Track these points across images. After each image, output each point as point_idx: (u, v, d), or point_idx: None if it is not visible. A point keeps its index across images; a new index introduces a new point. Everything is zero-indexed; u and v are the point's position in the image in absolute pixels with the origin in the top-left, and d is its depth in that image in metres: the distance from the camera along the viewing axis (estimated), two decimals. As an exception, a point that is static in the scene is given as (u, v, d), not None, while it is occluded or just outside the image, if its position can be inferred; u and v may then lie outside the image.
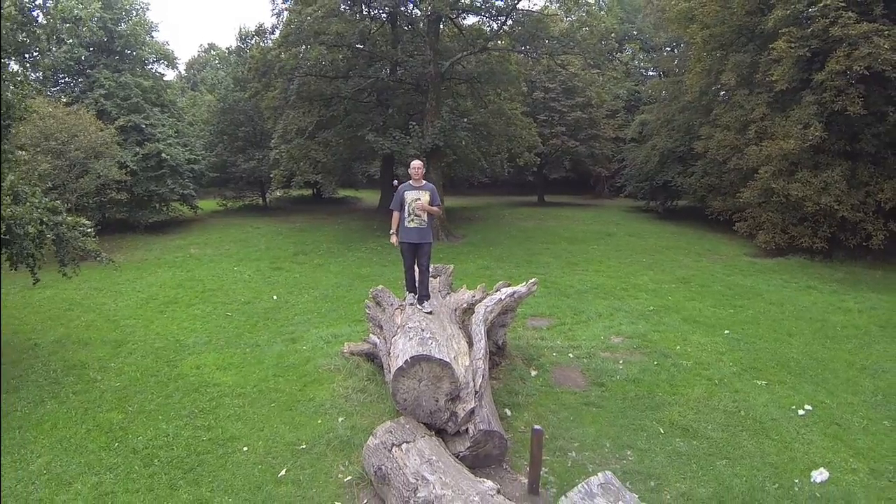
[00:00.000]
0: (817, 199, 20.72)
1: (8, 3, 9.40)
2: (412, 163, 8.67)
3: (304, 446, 7.38)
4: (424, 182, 8.70)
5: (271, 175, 27.38)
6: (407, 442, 6.03)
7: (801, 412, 8.90)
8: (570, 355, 10.19)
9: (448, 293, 9.68)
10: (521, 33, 23.59)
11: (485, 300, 9.00)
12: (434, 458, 5.77)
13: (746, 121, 24.23)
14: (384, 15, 23.98)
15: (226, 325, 12.74)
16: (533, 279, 9.91)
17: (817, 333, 12.68)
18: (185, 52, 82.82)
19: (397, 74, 25.45)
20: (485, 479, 5.56)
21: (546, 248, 22.77)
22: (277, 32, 24.28)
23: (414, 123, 23.60)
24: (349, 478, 6.69)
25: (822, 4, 18.95)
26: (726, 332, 12.17)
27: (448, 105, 25.53)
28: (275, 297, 15.12)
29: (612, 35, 24.33)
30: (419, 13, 23.38)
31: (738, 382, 9.69)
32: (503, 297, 9.01)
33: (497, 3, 22.13)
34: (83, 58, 28.63)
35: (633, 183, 38.26)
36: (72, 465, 7.35)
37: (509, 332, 10.27)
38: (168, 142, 28.67)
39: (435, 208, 8.55)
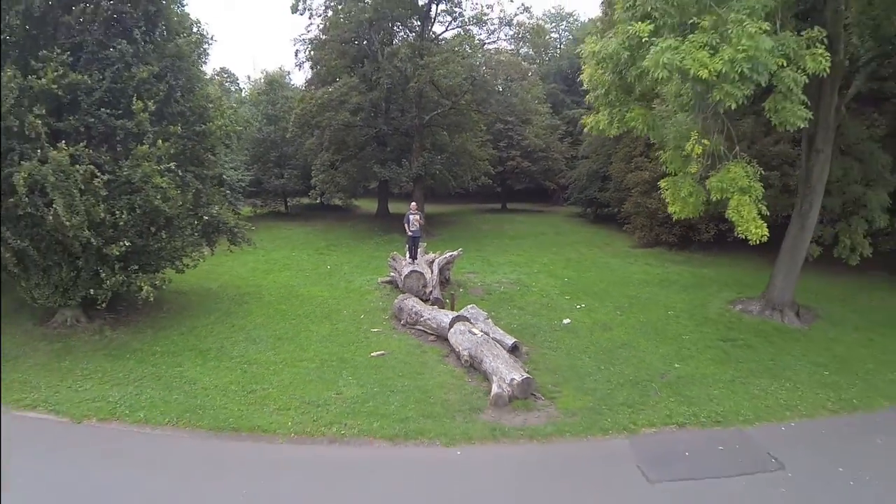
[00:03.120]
0: (664, 209, 32.25)
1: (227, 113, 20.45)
2: (411, 203, 20.32)
3: (368, 310, 19.01)
4: (417, 210, 20.18)
5: (309, 193, 38.64)
6: (408, 298, 17.62)
7: (578, 307, 20.44)
8: (478, 284, 21.88)
9: (423, 254, 21.21)
10: (476, 97, 35.25)
11: (438, 258, 20.59)
12: (418, 302, 17.33)
13: (632, 155, 35.95)
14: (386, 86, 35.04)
15: (309, 277, 24.23)
16: (460, 249, 21.65)
17: (617, 281, 24.27)
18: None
19: (392, 125, 36.76)
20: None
21: (492, 242, 34.35)
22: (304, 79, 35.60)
23: (405, 160, 35.24)
24: (386, 317, 18.24)
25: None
26: (565, 279, 23.80)
27: (428, 144, 36.95)
28: (328, 267, 26.59)
29: (537, 99, 35.92)
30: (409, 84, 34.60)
31: (555, 297, 21.30)
32: (447, 256, 20.68)
33: (459, 80, 33.27)
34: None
35: (574, 195, 49.84)
36: (271, 321, 18.69)
37: (454, 276, 21.80)
38: (225, 165, 39.76)
39: (421, 222, 20.09)
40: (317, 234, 37.02)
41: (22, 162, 14.52)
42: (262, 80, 51.83)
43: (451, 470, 10.82)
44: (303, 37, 40.08)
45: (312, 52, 36.94)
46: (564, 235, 38.34)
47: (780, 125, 12.36)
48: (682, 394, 13.98)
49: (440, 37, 38.60)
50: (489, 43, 36.53)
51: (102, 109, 15.95)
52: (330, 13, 34.94)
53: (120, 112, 16.18)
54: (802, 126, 12.43)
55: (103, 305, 16.96)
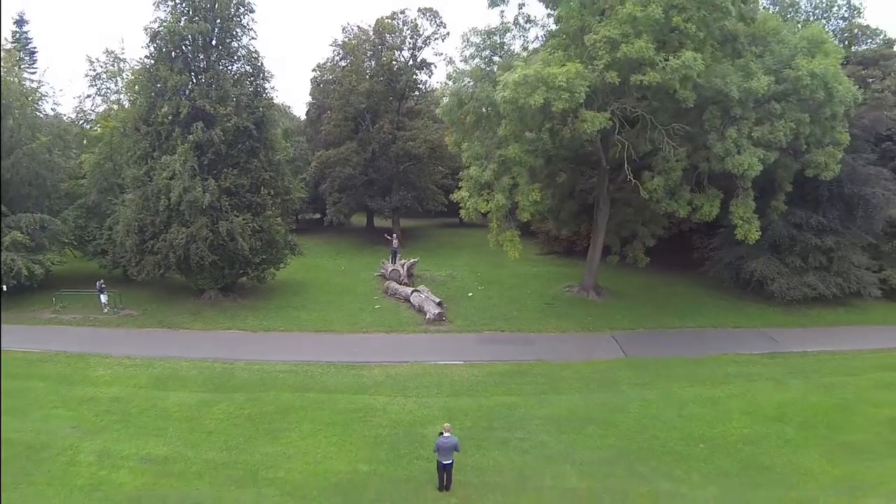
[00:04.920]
0: (547, 230, 50.77)
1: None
2: (393, 233, 38.98)
3: (370, 289, 37.90)
4: (397, 237, 38.64)
5: (323, 220, 56.78)
6: (391, 282, 36.39)
7: (479, 288, 39.13)
8: (428, 276, 40.58)
9: (399, 260, 39.68)
10: (435, 156, 53.71)
11: (407, 262, 39.12)
12: (398, 285, 35.96)
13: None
14: (375, 149, 53.31)
15: (334, 273, 42.73)
16: (418, 258, 40.27)
17: (511, 275, 42.90)
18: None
19: (378, 172, 54.93)
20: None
21: (443, 251, 52.84)
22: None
23: (387, 196, 53.68)
24: (380, 291, 36.99)
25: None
26: (479, 274, 42.46)
27: (402, 184, 55.29)
28: (342, 267, 44.92)
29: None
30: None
31: (469, 283, 40.27)
32: (412, 261, 39.33)
33: (423, 149, 51.60)
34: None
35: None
36: (322, 294, 37.19)
37: (416, 272, 40.36)
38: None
39: (399, 242, 38.58)
40: (326, 246, 55.11)
41: (222, 220, 32.54)
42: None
43: (408, 341, 29.85)
44: (312, 102, 58.75)
45: (324, 124, 55.26)
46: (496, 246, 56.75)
47: (522, 216, 31.54)
48: (510, 322, 32.77)
49: (412, 109, 57.18)
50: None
51: (248, 193, 34.15)
52: (336, 103, 53.16)
53: (255, 194, 34.43)
54: (530, 217, 31.98)
55: (248, 286, 35.37)
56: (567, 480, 18.31)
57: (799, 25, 44.49)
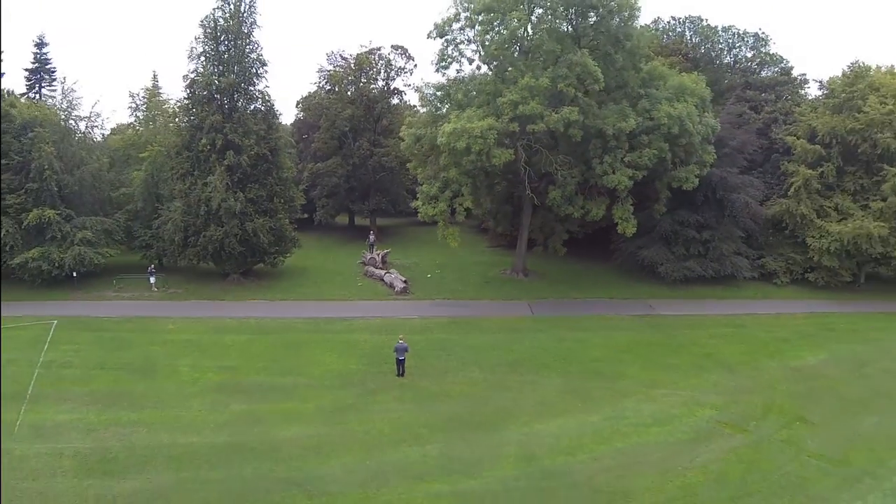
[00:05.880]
0: (494, 227, 63.71)
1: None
2: (371, 230, 52.01)
3: (354, 272, 50.78)
4: (375, 233, 51.58)
5: (314, 216, 69.30)
6: (369, 266, 49.34)
7: (437, 271, 52.16)
8: (398, 263, 53.60)
9: (376, 251, 52.54)
10: (405, 166, 66.50)
11: (381, 252, 52.06)
12: (374, 269, 48.97)
13: (487, 198, 67.61)
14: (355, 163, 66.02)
15: (326, 262, 55.52)
16: (390, 249, 53.38)
17: (462, 261, 55.92)
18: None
19: (359, 180, 67.58)
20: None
21: (412, 244, 65.51)
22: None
23: (367, 200, 66.50)
24: (361, 274, 49.91)
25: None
26: (438, 262, 55.53)
27: (379, 190, 68.02)
28: (333, 258, 57.62)
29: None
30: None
31: (429, 267, 53.54)
32: (385, 251, 52.32)
33: (396, 163, 64.36)
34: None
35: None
36: (320, 276, 49.94)
37: (389, 259, 53.30)
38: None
39: (376, 238, 51.50)
40: (316, 241, 67.07)
41: (247, 222, 45.08)
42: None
43: (382, 305, 43.25)
44: (301, 119, 71.43)
45: (314, 141, 67.81)
46: (462, 242, 69.67)
47: (459, 218, 44.70)
48: (455, 294, 46.15)
49: (386, 128, 69.79)
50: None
51: (265, 202, 46.83)
52: (324, 124, 65.68)
53: (270, 202, 47.10)
54: (465, 218, 45.63)
55: (263, 270, 48.17)
56: (472, 374, 31.81)
57: (680, 72, 57.91)
